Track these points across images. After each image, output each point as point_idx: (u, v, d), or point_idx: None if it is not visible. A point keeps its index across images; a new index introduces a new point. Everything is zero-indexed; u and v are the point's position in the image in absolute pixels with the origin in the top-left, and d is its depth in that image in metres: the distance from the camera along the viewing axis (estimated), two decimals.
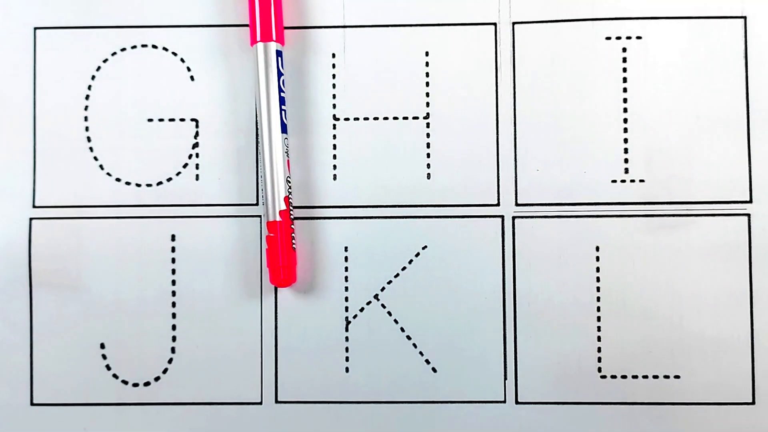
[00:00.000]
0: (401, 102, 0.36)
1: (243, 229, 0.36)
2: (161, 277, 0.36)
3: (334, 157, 0.36)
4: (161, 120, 0.36)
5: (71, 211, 0.36)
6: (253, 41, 0.35)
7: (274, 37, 0.35)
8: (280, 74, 0.35)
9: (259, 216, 0.36)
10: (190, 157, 0.36)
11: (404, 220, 0.36)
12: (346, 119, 0.36)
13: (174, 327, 0.36)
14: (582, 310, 0.35)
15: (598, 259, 0.35)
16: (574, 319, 0.35)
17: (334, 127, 0.36)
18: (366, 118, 0.36)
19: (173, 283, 0.36)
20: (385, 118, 0.36)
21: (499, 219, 0.36)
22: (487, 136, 0.36)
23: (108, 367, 0.36)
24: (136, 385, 0.36)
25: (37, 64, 0.37)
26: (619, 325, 0.35)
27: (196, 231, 0.36)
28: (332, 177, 0.36)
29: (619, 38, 0.36)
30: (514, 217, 0.36)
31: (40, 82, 0.37)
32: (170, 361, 0.36)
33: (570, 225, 0.36)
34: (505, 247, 0.36)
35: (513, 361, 0.35)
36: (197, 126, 0.36)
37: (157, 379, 0.36)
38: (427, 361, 0.36)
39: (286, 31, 0.36)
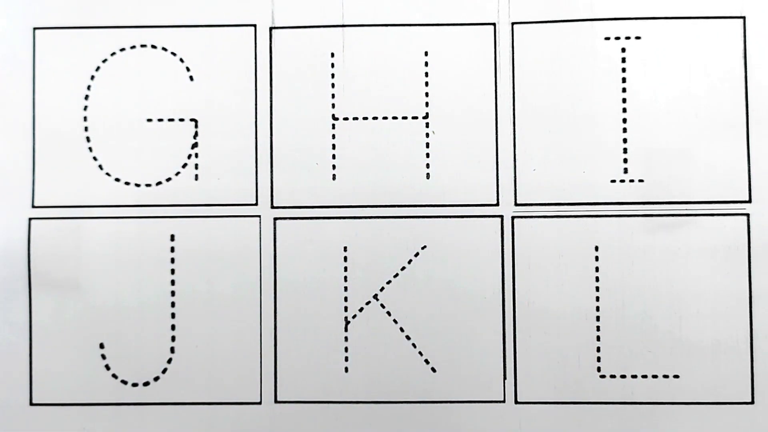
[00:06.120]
0: (400, 102, 0.36)
1: (242, 229, 0.36)
2: (160, 277, 0.36)
3: (334, 157, 0.36)
4: (160, 120, 0.36)
5: (70, 211, 0.36)
6: None
7: None
8: None
9: (258, 216, 0.36)
10: (189, 157, 0.36)
11: (404, 220, 0.36)
12: (345, 119, 0.36)
13: (173, 327, 0.36)
14: (581, 310, 0.35)
15: (597, 259, 0.35)
16: (573, 319, 0.35)
17: (333, 126, 0.36)
18: (365, 118, 0.36)
19: (172, 283, 0.36)
20: (385, 118, 0.36)
21: (499, 219, 0.36)
22: (487, 135, 0.36)
23: (107, 367, 0.36)
24: (135, 385, 0.36)
25: (37, 64, 0.37)
26: (619, 325, 0.35)
27: (196, 231, 0.36)
28: (331, 177, 0.36)
29: (618, 38, 0.36)
30: (513, 217, 0.36)
31: (40, 82, 0.37)
32: (170, 361, 0.36)
33: (569, 225, 0.36)
34: (505, 247, 0.36)
35: (512, 360, 0.35)
36: (196, 126, 0.36)
37: (156, 379, 0.36)
38: (427, 361, 0.36)
39: (284, 30, 0.36)
